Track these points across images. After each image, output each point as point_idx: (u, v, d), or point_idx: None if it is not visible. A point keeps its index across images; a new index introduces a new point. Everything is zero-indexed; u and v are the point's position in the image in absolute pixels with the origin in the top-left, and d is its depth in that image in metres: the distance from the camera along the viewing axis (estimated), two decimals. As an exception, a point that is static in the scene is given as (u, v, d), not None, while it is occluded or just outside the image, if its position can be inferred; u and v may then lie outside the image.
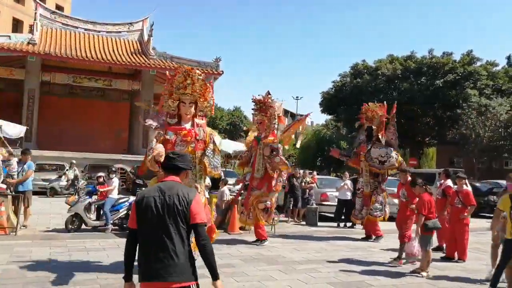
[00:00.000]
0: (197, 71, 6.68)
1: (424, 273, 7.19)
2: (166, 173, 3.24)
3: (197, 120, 6.76)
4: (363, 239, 10.74)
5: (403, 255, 7.92)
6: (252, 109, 10.18)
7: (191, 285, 2.96)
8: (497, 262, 6.25)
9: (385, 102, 11.53)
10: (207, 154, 6.61)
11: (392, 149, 10.71)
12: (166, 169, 3.26)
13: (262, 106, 9.86)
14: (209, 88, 6.80)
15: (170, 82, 6.66)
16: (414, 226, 7.90)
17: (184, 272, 2.92)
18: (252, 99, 10.01)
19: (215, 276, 2.96)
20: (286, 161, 9.89)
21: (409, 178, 8.49)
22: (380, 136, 10.80)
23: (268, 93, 9.97)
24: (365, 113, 11.20)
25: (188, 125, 6.61)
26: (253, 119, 10.63)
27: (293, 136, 11.37)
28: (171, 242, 2.93)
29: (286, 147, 10.86)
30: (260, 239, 9.57)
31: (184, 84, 6.50)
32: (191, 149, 6.44)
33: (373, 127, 11.00)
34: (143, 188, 10.24)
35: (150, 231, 2.96)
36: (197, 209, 3.01)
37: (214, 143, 6.79)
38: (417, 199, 7.85)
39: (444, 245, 9.32)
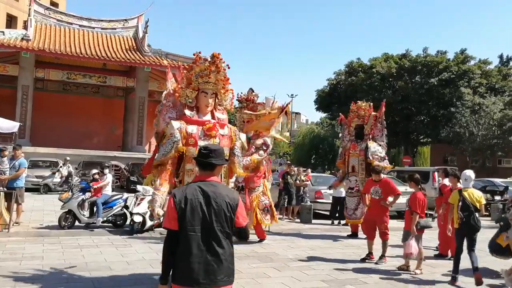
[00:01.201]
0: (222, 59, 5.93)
1: (418, 271, 7.23)
2: (201, 170, 3.16)
3: (217, 114, 6.03)
4: (349, 236, 10.76)
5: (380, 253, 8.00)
6: (236, 107, 9.70)
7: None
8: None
9: (371, 103, 11.56)
10: (235, 153, 5.97)
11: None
12: (200, 166, 3.17)
13: (250, 103, 9.62)
14: (229, 80, 6.10)
15: (189, 69, 5.98)
16: (392, 224, 8.01)
17: (230, 275, 3.00)
18: (237, 98, 9.71)
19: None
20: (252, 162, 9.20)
21: (383, 176, 8.47)
22: (371, 134, 10.93)
23: (252, 90, 9.72)
24: (357, 111, 11.19)
25: (208, 119, 5.91)
26: (238, 117, 10.28)
27: (277, 129, 10.98)
28: (220, 246, 2.94)
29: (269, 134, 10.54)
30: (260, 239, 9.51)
31: (208, 70, 5.78)
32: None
33: (365, 125, 11.00)
34: (143, 186, 10.14)
35: (195, 235, 2.91)
36: (241, 213, 3.08)
37: (240, 140, 6.19)
38: (392, 198, 7.93)
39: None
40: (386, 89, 37.45)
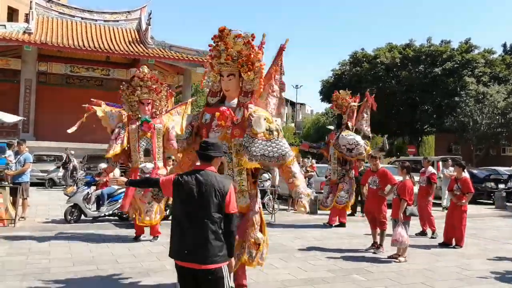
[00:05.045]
0: (233, 32, 4.94)
1: (402, 258, 7.24)
2: (201, 160, 3.56)
3: (241, 99, 5.10)
4: (335, 226, 10.91)
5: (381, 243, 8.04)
6: (138, 85, 8.82)
7: (222, 267, 3.32)
8: None
9: (356, 93, 11.82)
10: (244, 143, 4.82)
11: (359, 137, 10.72)
12: (200, 157, 3.58)
13: (154, 83, 8.65)
14: (258, 54, 4.98)
15: (211, 50, 5.16)
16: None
17: (216, 255, 3.27)
18: (135, 75, 8.83)
19: (231, 253, 3.47)
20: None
21: (380, 166, 8.44)
22: (349, 124, 10.98)
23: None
24: (336, 100, 11.26)
25: (229, 105, 5.13)
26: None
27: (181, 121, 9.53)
28: (205, 229, 3.27)
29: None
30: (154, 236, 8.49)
31: (217, 50, 4.97)
32: (227, 136, 4.94)
33: (343, 115, 11.15)
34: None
35: (186, 215, 3.33)
36: (231, 200, 3.39)
37: (251, 125, 4.83)
38: (389, 185, 7.87)
39: (425, 229, 10.03)
40: (390, 79, 37.21)
